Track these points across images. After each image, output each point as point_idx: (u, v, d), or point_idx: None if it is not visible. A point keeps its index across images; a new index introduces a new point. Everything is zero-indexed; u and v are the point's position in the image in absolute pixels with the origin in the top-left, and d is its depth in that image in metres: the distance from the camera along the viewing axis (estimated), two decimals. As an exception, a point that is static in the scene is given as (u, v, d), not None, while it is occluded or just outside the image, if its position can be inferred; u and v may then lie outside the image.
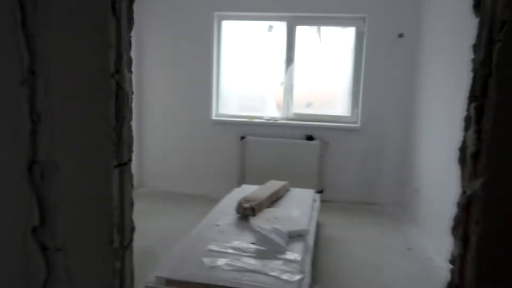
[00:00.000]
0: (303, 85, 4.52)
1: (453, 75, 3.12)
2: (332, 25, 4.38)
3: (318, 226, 3.33)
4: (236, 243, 2.30)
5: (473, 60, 1.00)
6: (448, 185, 3.19)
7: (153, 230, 3.35)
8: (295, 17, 4.37)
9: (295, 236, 2.47)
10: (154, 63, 4.56)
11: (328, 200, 4.33)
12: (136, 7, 0.97)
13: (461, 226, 1.04)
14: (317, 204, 3.39)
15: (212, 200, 3.59)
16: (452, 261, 1.07)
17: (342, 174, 4.41)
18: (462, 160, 1.05)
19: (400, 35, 4.09)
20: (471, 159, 0.99)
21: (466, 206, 1.02)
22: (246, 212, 2.69)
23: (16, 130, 0.91)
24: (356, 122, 4.39)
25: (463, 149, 1.05)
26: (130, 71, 0.96)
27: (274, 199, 3.13)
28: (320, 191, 4.29)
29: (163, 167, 4.70)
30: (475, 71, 0.99)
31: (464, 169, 1.05)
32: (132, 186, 1.00)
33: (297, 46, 4.44)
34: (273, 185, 3.37)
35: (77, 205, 0.92)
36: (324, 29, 4.39)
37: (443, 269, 2.96)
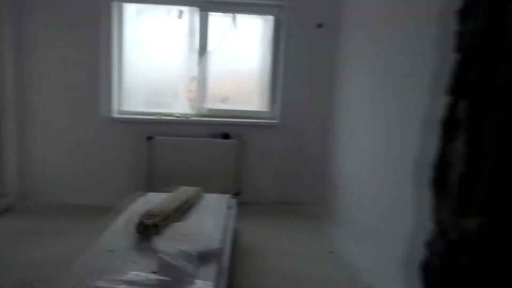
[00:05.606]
0: (218, 78, 4.09)
1: (372, 72, 2.92)
2: (248, 12, 4.00)
3: (236, 234, 2.97)
4: (132, 275, 1.82)
5: (460, 34, 0.66)
6: (370, 184, 3.03)
7: (35, 258, 2.71)
8: (208, 2, 3.92)
9: (207, 257, 2.06)
10: (39, 54, 3.78)
11: (246, 202, 3.98)
12: None
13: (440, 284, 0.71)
14: (234, 211, 3.01)
15: (115, 212, 3.09)
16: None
17: (260, 174, 4.07)
18: (438, 184, 0.71)
19: (320, 25, 3.84)
20: (458, 183, 0.65)
21: (448, 254, 0.68)
22: (149, 231, 2.22)
23: None
24: (274, 118, 4.08)
25: (441, 167, 0.70)
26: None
27: (184, 210, 2.69)
28: (237, 194, 3.92)
29: (55, 175, 3.93)
30: (464, 49, 0.64)
31: (441, 197, 0.70)
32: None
33: (211, 35, 4.00)
34: (183, 193, 2.91)
35: None
36: (240, 17, 3.99)
37: (363, 273, 2.75)
